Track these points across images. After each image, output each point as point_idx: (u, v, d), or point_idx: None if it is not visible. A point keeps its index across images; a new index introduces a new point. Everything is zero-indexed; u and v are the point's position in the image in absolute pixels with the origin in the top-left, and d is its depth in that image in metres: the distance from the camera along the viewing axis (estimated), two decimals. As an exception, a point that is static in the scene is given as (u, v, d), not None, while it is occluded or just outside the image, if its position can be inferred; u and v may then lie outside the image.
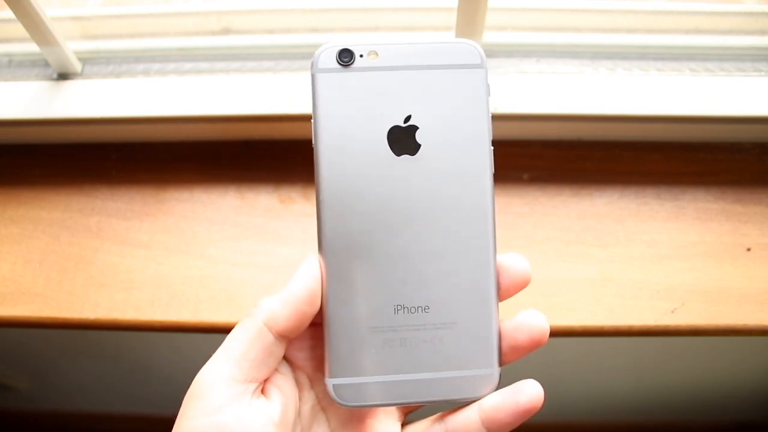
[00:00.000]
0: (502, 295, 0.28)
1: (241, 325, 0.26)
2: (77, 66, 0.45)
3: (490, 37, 0.43)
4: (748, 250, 0.40)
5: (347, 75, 0.26)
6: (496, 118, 0.41)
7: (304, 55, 0.45)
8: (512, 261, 0.27)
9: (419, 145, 0.27)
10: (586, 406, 0.91)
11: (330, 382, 0.26)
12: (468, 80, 0.27)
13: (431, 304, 0.27)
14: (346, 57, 0.26)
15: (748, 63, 0.43)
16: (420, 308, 0.27)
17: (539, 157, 0.44)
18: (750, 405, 0.87)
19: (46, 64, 0.46)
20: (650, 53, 0.44)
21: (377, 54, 0.26)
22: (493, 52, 0.44)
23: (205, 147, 0.46)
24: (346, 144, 0.26)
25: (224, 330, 0.39)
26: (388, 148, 0.26)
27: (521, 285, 0.28)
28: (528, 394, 0.25)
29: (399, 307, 0.27)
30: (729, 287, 0.39)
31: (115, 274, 0.41)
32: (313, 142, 0.26)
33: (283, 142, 0.45)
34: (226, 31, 0.46)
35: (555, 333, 0.38)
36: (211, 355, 0.28)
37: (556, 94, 0.41)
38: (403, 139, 0.26)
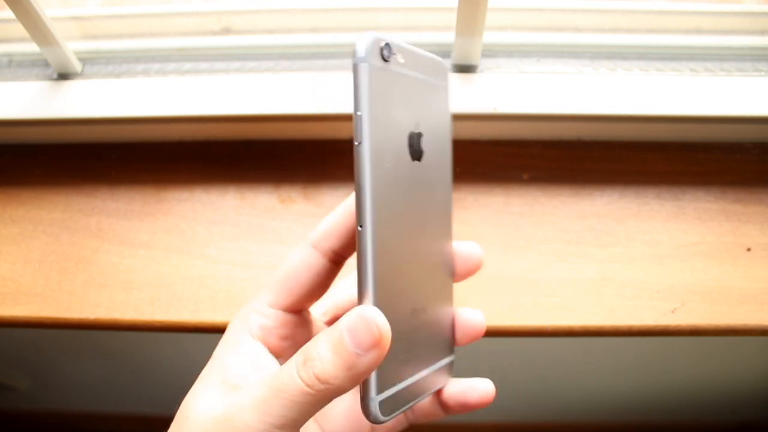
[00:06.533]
0: (455, 279, 0.31)
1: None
2: (77, 66, 0.45)
3: (490, 37, 0.43)
4: (748, 250, 0.40)
5: (386, 72, 0.24)
6: (497, 118, 0.42)
7: (304, 55, 0.45)
8: (470, 249, 0.30)
9: (422, 152, 0.27)
10: (586, 406, 0.91)
11: (377, 398, 0.24)
12: (445, 95, 0.29)
13: (427, 303, 0.28)
14: (387, 53, 0.24)
15: (748, 63, 0.43)
16: (423, 309, 0.28)
17: (539, 157, 0.44)
18: (750, 405, 0.87)
19: (46, 64, 0.46)
20: (650, 53, 0.44)
21: (403, 56, 0.25)
22: (493, 52, 0.44)
23: (205, 147, 0.46)
24: (386, 142, 0.24)
25: (224, 330, 0.39)
26: (408, 152, 0.26)
27: (475, 270, 0.31)
28: (478, 394, 0.29)
29: (414, 310, 0.27)
30: (729, 287, 0.39)
31: (115, 274, 0.41)
32: (358, 131, 0.23)
33: (283, 142, 0.45)
34: (226, 31, 0.46)
35: (555, 333, 0.38)
36: (210, 356, 0.28)
37: (556, 94, 0.41)
38: (414, 145, 0.26)
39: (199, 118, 0.43)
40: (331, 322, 0.31)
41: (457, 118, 0.42)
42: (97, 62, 0.46)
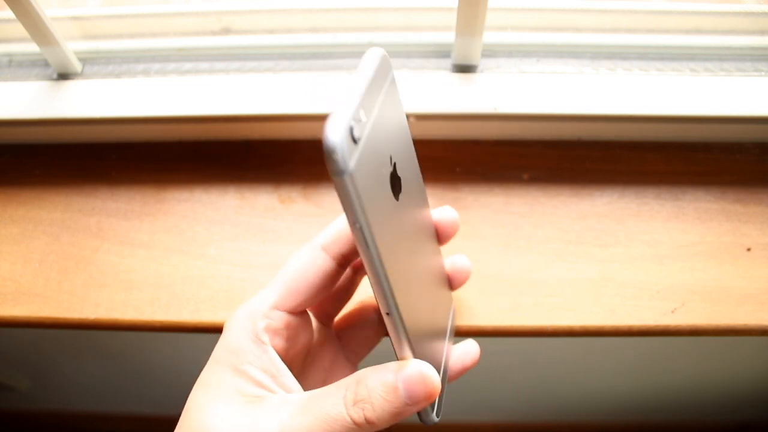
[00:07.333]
0: (441, 243, 0.33)
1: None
2: (77, 66, 0.45)
3: (490, 37, 0.43)
4: (748, 250, 0.40)
5: (361, 156, 0.20)
6: (497, 118, 0.42)
7: (304, 55, 0.45)
8: (448, 214, 0.32)
9: (400, 179, 0.25)
10: (586, 406, 0.91)
11: (434, 414, 0.26)
12: (395, 89, 0.25)
13: (436, 299, 0.30)
14: (357, 131, 0.20)
15: (748, 63, 0.43)
16: (433, 302, 0.29)
17: (539, 157, 0.44)
18: (750, 405, 0.87)
19: (46, 64, 0.46)
20: (650, 53, 0.44)
21: (362, 107, 0.21)
22: (493, 52, 0.44)
23: (205, 147, 0.46)
24: (382, 219, 0.22)
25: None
26: (393, 196, 0.24)
27: (455, 232, 0.32)
28: (471, 357, 0.32)
29: (431, 316, 0.28)
30: (729, 287, 0.39)
31: (115, 274, 0.41)
32: (362, 240, 0.21)
33: (283, 142, 0.45)
34: (226, 31, 0.46)
35: (555, 333, 0.38)
36: (209, 356, 0.28)
37: (556, 94, 0.41)
38: (394, 183, 0.24)
39: (200, 118, 0.43)
40: (340, 258, 0.29)
41: (457, 118, 0.42)
42: (97, 62, 0.46)
